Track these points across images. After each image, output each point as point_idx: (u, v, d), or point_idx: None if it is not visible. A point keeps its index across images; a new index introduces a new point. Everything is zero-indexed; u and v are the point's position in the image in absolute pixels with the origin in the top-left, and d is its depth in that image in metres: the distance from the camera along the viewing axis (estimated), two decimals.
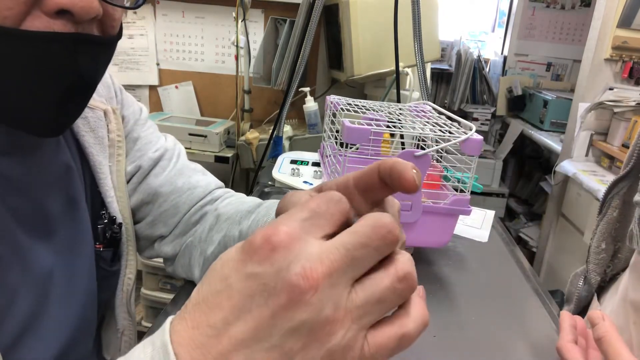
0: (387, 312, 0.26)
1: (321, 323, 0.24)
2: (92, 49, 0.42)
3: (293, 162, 1.22)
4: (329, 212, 0.27)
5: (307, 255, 0.24)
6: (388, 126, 0.82)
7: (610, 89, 1.93)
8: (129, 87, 1.92)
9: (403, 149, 0.94)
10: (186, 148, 1.67)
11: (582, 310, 0.73)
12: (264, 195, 1.10)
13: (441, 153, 0.84)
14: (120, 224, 0.60)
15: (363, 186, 0.30)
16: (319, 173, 1.16)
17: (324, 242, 0.26)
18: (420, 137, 0.87)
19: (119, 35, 0.46)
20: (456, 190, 0.77)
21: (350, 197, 0.30)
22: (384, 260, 0.26)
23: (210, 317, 0.25)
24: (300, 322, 0.24)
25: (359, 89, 1.70)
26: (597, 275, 0.70)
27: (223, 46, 1.89)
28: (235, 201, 0.68)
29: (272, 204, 0.63)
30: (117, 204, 0.60)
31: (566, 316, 0.57)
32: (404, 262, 0.27)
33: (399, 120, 0.82)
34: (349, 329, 0.25)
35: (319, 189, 0.32)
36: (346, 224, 0.28)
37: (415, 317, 0.27)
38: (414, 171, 0.29)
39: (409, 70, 1.32)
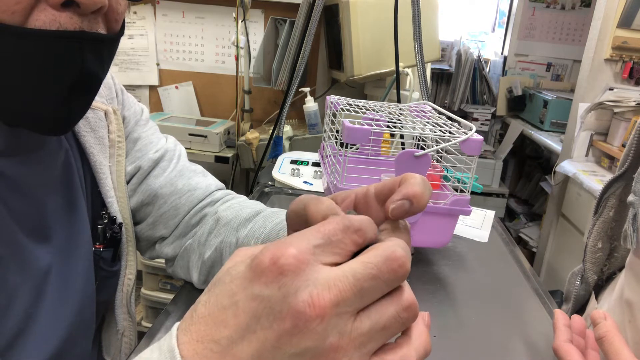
0: (390, 338, 0.26)
1: (325, 351, 0.24)
2: (97, 46, 0.42)
3: (293, 162, 1.22)
4: (343, 242, 0.26)
5: (315, 282, 0.24)
6: (388, 126, 0.82)
7: (611, 89, 1.93)
8: (129, 88, 1.92)
9: (403, 149, 0.94)
10: (186, 148, 1.68)
11: (579, 309, 0.73)
12: (264, 196, 1.10)
13: (441, 153, 0.84)
14: (120, 224, 0.60)
15: (383, 198, 0.30)
16: (319, 173, 1.16)
17: (333, 268, 0.25)
18: (420, 137, 0.87)
19: (122, 32, 0.46)
20: (456, 190, 0.77)
21: (368, 206, 0.30)
22: None
23: (215, 333, 0.25)
24: (305, 348, 0.24)
25: (359, 89, 1.70)
26: (594, 274, 0.70)
27: (223, 46, 1.90)
28: (235, 205, 0.68)
29: (270, 213, 0.63)
30: (117, 204, 0.60)
31: (560, 315, 0.57)
32: (408, 291, 0.27)
33: (399, 120, 0.82)
34: (352, 356, 0.25)
35: (337, 196, 0.32)
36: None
37: (418, 347, 0.27)
38: (423, 187, 0.29)
39: (409, 70, 1.33)
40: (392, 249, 0.26)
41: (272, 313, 0.24)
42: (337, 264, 0.26)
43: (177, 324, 0.27)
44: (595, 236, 0.70)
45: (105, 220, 0.59)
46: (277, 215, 0.62)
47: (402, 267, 0.25)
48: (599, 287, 0.72)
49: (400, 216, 0.29)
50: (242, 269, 0.26)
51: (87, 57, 0.41)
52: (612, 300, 0.64)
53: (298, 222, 0.31)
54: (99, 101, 0.59)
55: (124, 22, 0.46)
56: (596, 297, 0.71)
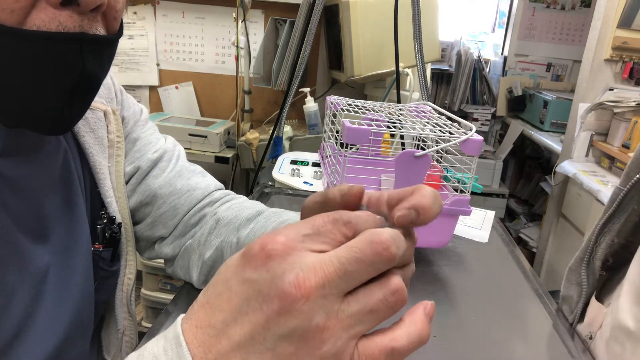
0: (379, 323, 0.27)
1: (312, 331, 0.25)
2: (97, 47, 0.43)
3: (293, 162, 1.22)
4: (332, 233, 0.27)
5: (302, 265, 0.25)
6: (388, 126, 0.83)
7: (611, 89, 1.93)
8: (129, 88, 1.92)
9: (403, 149, 0.94)
10: (186, 148, 1.68)
11: (582, 309, 0.72)
12: (264, 196, 1.10)
13: (441, 153, 0.84)
14: (119, 224, 0.60)
15: (395, 203, 0.31)
16: (319, 173, 1.16)
17: (320, 254, 0.26)
18: (420, 137, 0.88)
19: (120, 32, 0.46)
20: (456, 190, 0.77)
21: (380, 210, 0.31)
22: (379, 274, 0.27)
23: (211, 318, 0.26)
24: (292, 328, 0.25)
25: (359, 89, 1.70)
26: (599, 263, 0.68)
27: (223, 47, 1.90)
28: (235, 205, 0.68)
29: (272, 213, 0.63)
30: (117, 204, 0.60)
31: None
32: (397, 277, 0.27)
33: (399, 120, 0.82)
34: (340, 337, 0.25)
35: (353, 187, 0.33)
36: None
37: (411, 333, 0.27)
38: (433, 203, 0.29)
39: (409, 70, 1.33)
40: (378, 232, 0.27)
41: (261, 295, 0.25)
42: (324, 252, 0.27)
43: (182, 315, 0.28)
44: (613, 233, 0.68)
45: (105, 220, 0.59)
46: (279, 216, 0.62)
47: (386, 250, 0.26)
48: (600, 288, 0.71)
49: (404, 225, 0.30)
50: (235, 257, 0.27)
51: (87, 58, 0.41)
52: (622, 290, 0.62)
53: (316, 207, 0.32)
54: (98, 101, 0.59)
55: (122, 23, 0.46)
56: (599, 299, 0.70)
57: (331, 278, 0.25)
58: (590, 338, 0.66)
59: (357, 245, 0.26)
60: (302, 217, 0.33)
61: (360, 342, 0.26)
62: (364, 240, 0.26)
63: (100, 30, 0.42)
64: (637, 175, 0.64)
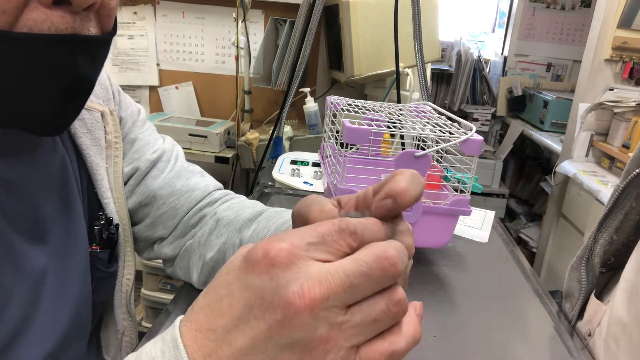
0: (379, 332, 0.27)
1: (315, 342, 0.25)
2: (90, 48, 0.42)
3: (293, 162, 1.22)
4: (337, 243, 0.27)
5: (307, 275, 0.25)
6: (388, 126, 0.82)
7: (611, 89, 1.92)
8: (129, 88, 1.92)
9: (403, 149, 0.94)
10: (186, 149, 1.67)
11: (583, 305, 0.72)
12: (264, 196, 1.10)
13: (441, 153, 0.84)
14: (117, 225, 0.60)
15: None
16: (319, 173, 1.16)
17: (326, 264, 0.26)
18: (420, 137, 0.87)
19: (114, 31, 0.45)
20: (456, 190, 0.77)
21: (368, 208, 0.31)
22: None
23: (212, 322, 0.26)
24: (295, 339, 0.25)
25: (359, 89, 1.70)
26: (599, 259, 0.68)
27: (223, 47, 1.90)
28: (235, 205, 0.68)
29: (273, 213, 0.63)
30: (114, 205, 0.60)
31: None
32: (398, 286, 0.27)
33: (399, 120, 0.82)
34: (342, 347, 0.25)
35: (341, 198, 0.33)
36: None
37: (407, 334, 0.27)
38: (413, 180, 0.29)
39: (409, 70, 1.32)
40: (384, 248, 0.26)
41: (264, 303, 0.25)
42: (328, 262, 0.27)
43: (180, 317, 0.28)
44: (611, 230, 0.68)
45: (102, 222, 0.59)
46: (280, 216, 0.62)
47: (393, 266, 0.26)
48: (599, 286, 0.71)
49: (384, 215, 0.29)
50: (238, 261, 0.27)
51: (79, 59, 0.41)
52: (619, 288, 0.62)
53: (301, 223, 0.31)
54: (95, 102, 0.59)
55: (116, 22, 0.46)
56: (600, 297, 0.70)
57: (336, 290, 0.25)
58: (590, 335, 0.66)
59: (363, 259, 0.26)
60: (294, 224, 0.33)
61: (361, 349, 0.26)
62: (370, 255, 0.26)
63: (93, 30, 0.42)
64: (635, 172, 0.64)
